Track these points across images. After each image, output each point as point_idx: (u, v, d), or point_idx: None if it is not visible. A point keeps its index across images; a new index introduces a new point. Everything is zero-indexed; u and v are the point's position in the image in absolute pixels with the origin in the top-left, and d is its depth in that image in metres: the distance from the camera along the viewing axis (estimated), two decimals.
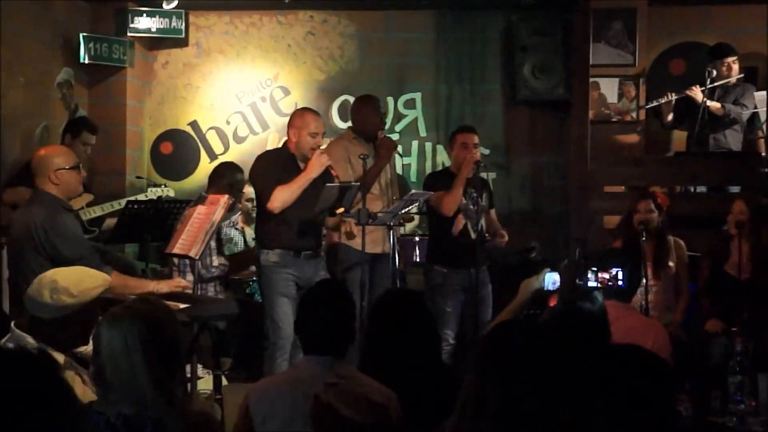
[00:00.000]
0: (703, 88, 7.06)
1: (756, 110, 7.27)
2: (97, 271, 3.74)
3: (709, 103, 7.01)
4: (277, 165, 5.70)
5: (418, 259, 6.95)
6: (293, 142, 5.71)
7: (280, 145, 8.09)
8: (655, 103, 7.27)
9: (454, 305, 6.07)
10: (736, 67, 7.19)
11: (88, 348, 4.14)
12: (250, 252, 6.73)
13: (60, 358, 3.38)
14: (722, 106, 7.06)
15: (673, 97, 7.15)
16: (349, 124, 6.58)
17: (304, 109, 6.07)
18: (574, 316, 3.30)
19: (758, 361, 4.88)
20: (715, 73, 7.10)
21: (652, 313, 5.55)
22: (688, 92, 7.08)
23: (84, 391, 3.39)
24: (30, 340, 3.41)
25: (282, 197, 5.53)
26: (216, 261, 6.58)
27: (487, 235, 6.14)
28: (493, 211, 6.39)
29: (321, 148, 5.72)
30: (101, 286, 3.56)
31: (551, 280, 3.61)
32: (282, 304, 5.54)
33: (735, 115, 7.08)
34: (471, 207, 6.12)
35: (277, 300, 5.57)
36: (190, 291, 4.92)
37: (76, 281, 3.49)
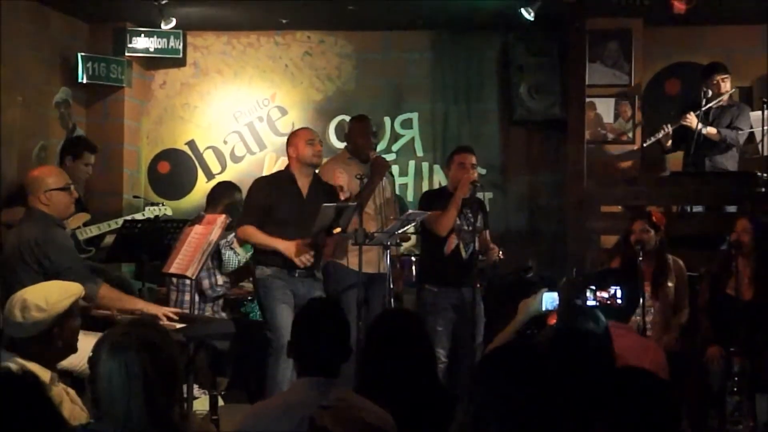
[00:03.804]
0: (698, 112, 7.06)
1: (752, 129, 7.27)
2: (68, 282, 3.80)
3: (704, 130, 7.02)
4: (268, 192, 5.80)
5: (414, 279, 6.94)
6: (293, 158, 5.84)
7: (278, 165, 8.18)
8: (653, 140, 7.24)
9: (445, 324, 6.08)
10: (726, 84, 7.17)
11: (75, 363, 4.17)
12: (245, 270, 6.72)
13: (46, 374, 3.39)
14: (718, 132, 7.06)
15: (670, 128, 7.13)
16: (346, 144, 6.64)
17: (296, 129, 6.31)
18: (573, 337, 3.29)
19: (756, 381, 4.88)
20: (710, 93, 7.12)
21: (649, 334, 5.54)
22: (683, 122, 7.07)
23: (72, 409, 3.39)
24: (18, 359, 3.43)
25: (246, 236, 5.81)
26: (221, 280, 6.57)
27: (481, 256, 6.14)
28: (487, 232, 6.40)
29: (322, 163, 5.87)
30: (72, 296, 3.62)
31: (549, 299, 3.60)
32: (283, 311, 5.60)
33: (731, 140, 7.09)
34: (465, 227, 6.13)
35: (277, 308, 5.63)
36: (177, 317, 4.90)
37: (45, 295, 3.55)
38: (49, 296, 3.56)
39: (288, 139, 5.98)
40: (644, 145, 7.44)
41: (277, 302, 5.64)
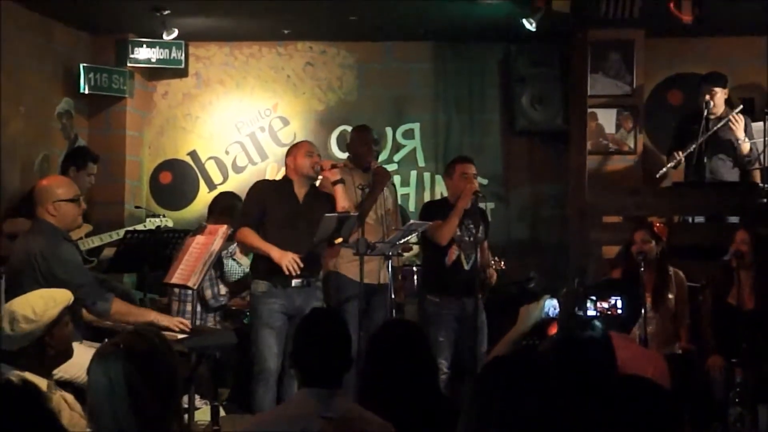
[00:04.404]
0: (698, 135, 7.01)
1: (755, 140, 7.26)
2: (55, 290, 3.79)
3: (743, 144, 6.98)
4: (266, 194, 5.82)
5: (416, 290, 6.93)
6: (291, 168, 5.86)
7: (279, 175, 8.18)
8: (665, 170, 7.15)
9: (447, 335, 6.08)
10: (717, 97, 7.13)
11: (76, 374, 4.18)
12: (247, 281, 6.73)
13: (43, 383, 3.39)
14: (750, 149, 7.04)
15: (682, 155, 7.04)
16: (347, 154, 6.66)
17: (299, 141, 6.41)
18: (574, 347, 3.28)
19: (758, 392, 4.86)
20: (712, 103, 7.10)
21: (650, 345, 5.54)
22: (732, 124, 6.97)
23: (71, 416, 3.38)
24: (15, 371, 3.42)
25: (242, 238, 5.74)
26: (223, 290, 6.57)
27: (482, 274, 6.15)
28: (485, 243, 6.39)
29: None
30: (60, 305, 3.62)
31: (551, 306, 3.59)
32: (265, 335, 5.62)
33: (753, 157, 7.05)
34: (466, 238, 6.13)
35: (261, 331, 5.64)
36: (189, 328, 4.91)
37: (32, 306, 3.56)
38: (36, 306, 3.55)
39: (288, 150, 6.01)
40: (657, 176, 7.33)
41: (261, 326, 5.65)
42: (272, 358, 5.60)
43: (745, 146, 7.03)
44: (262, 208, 5.75)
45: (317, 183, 5.99)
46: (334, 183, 5.79)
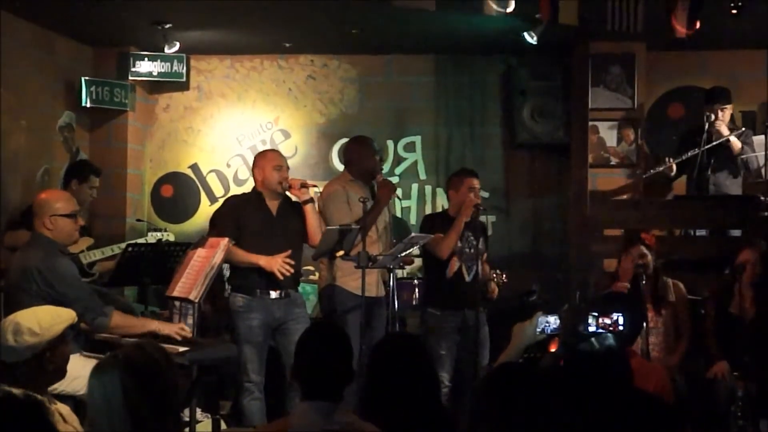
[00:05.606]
0: (699, 148, 7.03)
1: (756, 153, 7.27)
2: (62, 308, 3.76)
3: (732, 139, 7.01)
4: (239, 209, 5.78)
5: (416, 303, 6.93)
6: (259, 181, 5.82)
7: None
8: (652, 172, 7.23)
9: (448, 347, 6.06)
10: (723, 114, 7.15)
11: (77, 387, 4.17)
12: None
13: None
14: (742, 147, 7.06)
15: (672, 161, 7.11)
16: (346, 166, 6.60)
17: (264, 150, 6.40)
18: (591, 358, 3.26)
19: (760, 405, 4.86)
20: (713, 117, 7.11)
21: (653, 355, 5.53)
22: (731, 139, 7.03)
23: (65, 429, 3.37)
24: (5, 387, 3.39)
25: (228, 257, 5.55)
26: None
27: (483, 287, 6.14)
28: (484, 256, 6.37)
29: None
30: (64, 322, 3.58)
31: (545, 322, 3.59)
32: (246, 350, 5.63)
33: (747, 157, 7.06)
34: (466, 250, 6.12)
35: (242, 346, 5.64)
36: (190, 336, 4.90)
37: (38, 319, 3.52)
38: (42, 320, 3.51)
39: (255, 160, 5.93)
40: (644, 176, 7.39)
41: (242, 342, 5.65)
42: (255, 371, 5.64)
43: (736, 144, 7.05)
44: (237, 224, 5.70)
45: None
46: (305, 203, 5.77)
